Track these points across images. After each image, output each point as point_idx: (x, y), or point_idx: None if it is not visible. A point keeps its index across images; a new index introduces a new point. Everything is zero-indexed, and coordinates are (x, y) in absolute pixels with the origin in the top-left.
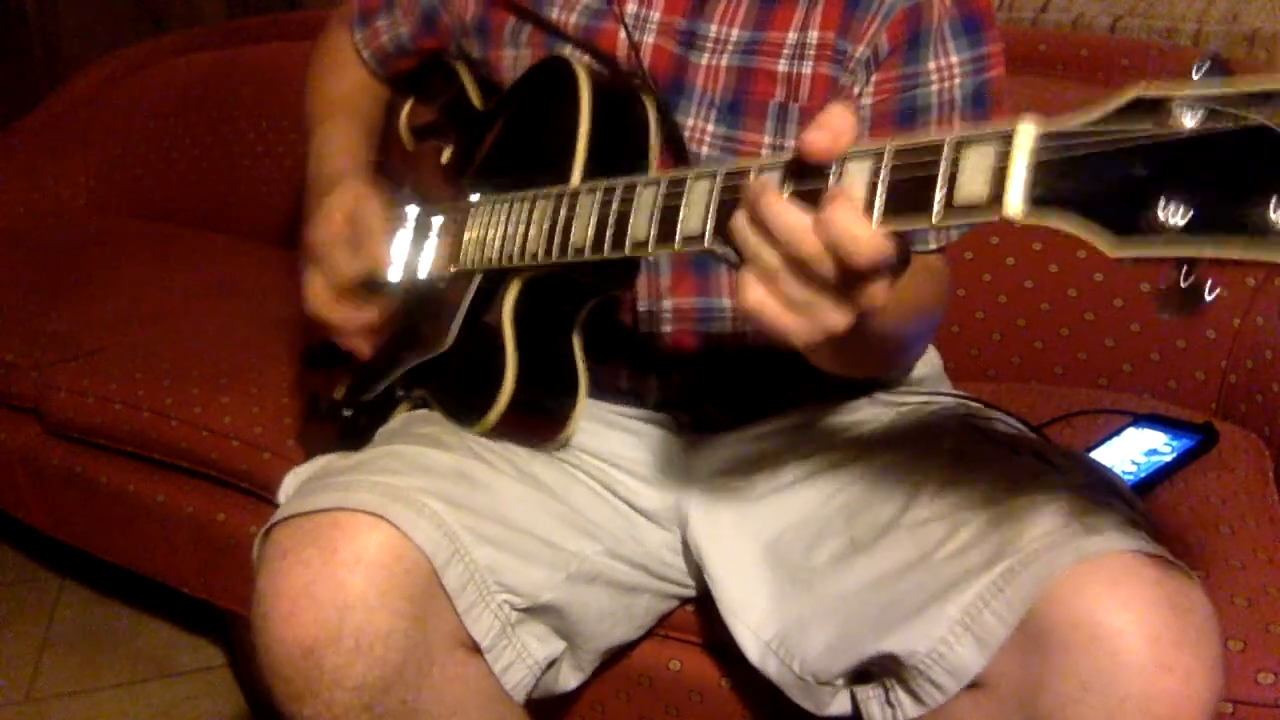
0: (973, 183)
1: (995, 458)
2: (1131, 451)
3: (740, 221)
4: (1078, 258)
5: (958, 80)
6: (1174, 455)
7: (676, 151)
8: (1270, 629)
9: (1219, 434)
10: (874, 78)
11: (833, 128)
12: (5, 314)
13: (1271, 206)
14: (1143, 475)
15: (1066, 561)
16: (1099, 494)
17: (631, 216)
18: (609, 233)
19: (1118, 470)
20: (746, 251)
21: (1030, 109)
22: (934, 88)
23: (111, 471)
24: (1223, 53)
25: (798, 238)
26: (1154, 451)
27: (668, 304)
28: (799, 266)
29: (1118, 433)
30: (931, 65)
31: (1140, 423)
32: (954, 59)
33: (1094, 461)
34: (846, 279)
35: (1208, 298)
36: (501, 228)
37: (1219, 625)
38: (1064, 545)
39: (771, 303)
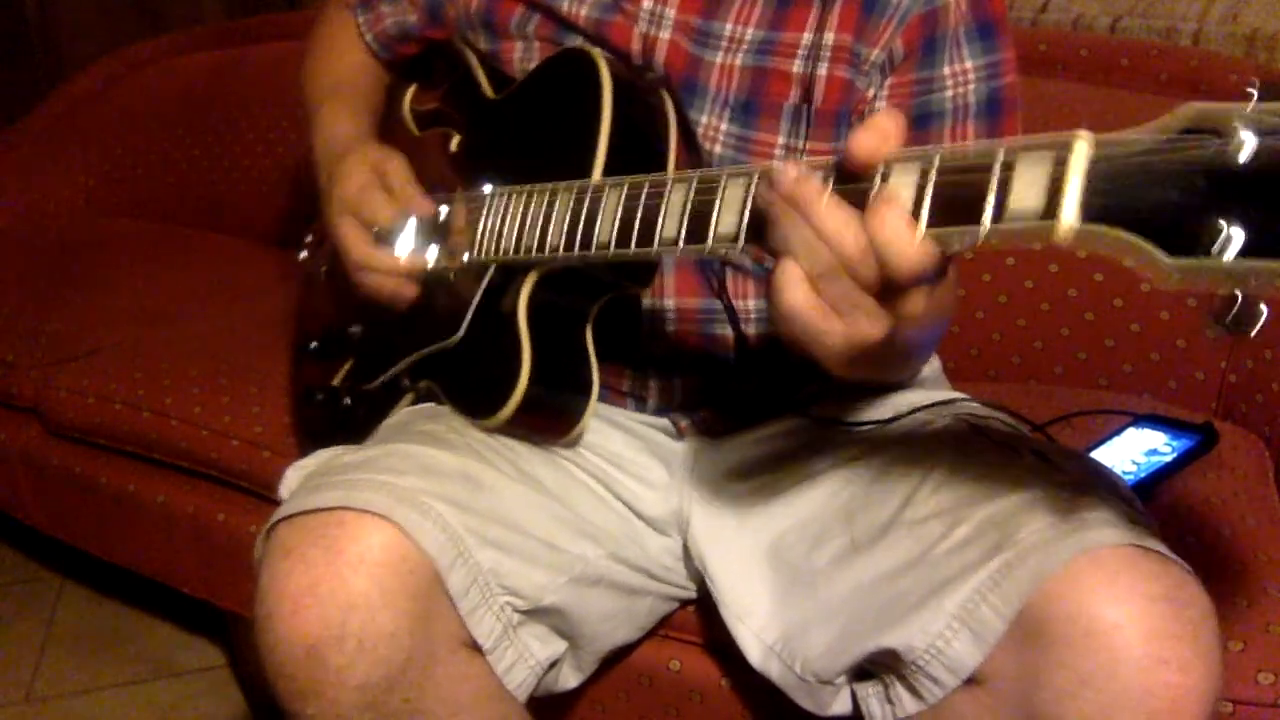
0: (1025, 197)
1: (995, 456)
2: (1131, 451)
3: (785, 220)
4: (1078, 258)
5: (972, 86)
6: (1174, 455)
7: (691, 148)
8: (1270, 629)
9: (1219, 434)
10: (888, 81)
11: (881, 129)
12: (5, 314)
13: None
14: (1143, 475)
15: (1064, 556)
16: (1098, 491)
17: (660, 214)
18: (635, 230)
19: (1118, 470)
20: (790, 251)
21: (1029, 109)
22: (949, 93)
23: (111, 471)
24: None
25: (843, 238)
26: (1154, 451)
27: (671, 304)
28: (844, 267)
29: (1118, 433)
30: (946, 70)
31: (1140, 423)
32: (969, 64)
33: (1094, 460)
34: (888, 285)
35: (1254, 330)
36: (519, 220)
37: (1217, 620)
38: (1061, 540)
39: (815, 303)
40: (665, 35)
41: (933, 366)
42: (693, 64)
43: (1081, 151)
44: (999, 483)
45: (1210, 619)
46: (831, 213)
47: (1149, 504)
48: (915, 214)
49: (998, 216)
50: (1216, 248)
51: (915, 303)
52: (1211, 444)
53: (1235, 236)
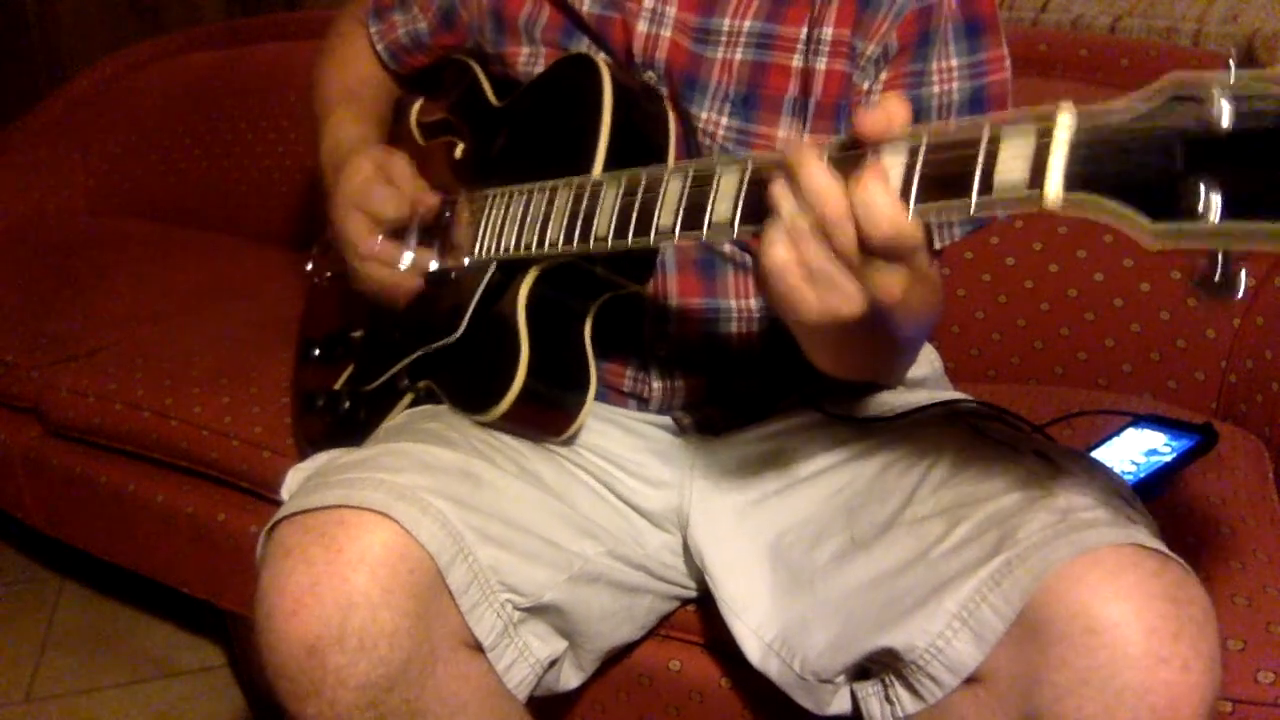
0: (1010, 170)
1: (995, 456)
2: (1131, 452)
3: (778, 186)
4: (1078, 258)
5: (955, 84)
6: (1174, 456)
7: (690, 147)
8: (1270, 628)
9: (1219, 434)
10: (883, 76)
11: (889, 111)
12: (5, 314)
13: None
14: (1143, 476)
15: (1064, 554)
16: (1098, 491)
17: (657, 205)
18: (633, 221)
19: (1118, 470)
20: (780, 214)
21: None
22: (935, 89)
23: (111, 471)
24: (1232, 52)
25: (826, 199)
26: (1154, 452)
27: (674, 303)
28: (824, 231)
29: (1118, 433)
30: (934, 66)
31: (1140, 423)
32: (953, 62)
33: (1094, 460)
34: (864, 250)
35: (1240, 291)
36: (520, 217)
37: (1217, 619)
38: (1061, 539)
39: (794, 267)
40: (666, 33)
41: (934, 366)
42: (693, 61)
43: (1065, 122)
44: (999, 482)
45: (1210, 617)
46: (819, 174)
47: (1149, 504)
48: (905, 191)
49: (985, 190)
50: (1199, 210)
51: (891, 281)
52: (1211, 444)
53: (1216, 199)
